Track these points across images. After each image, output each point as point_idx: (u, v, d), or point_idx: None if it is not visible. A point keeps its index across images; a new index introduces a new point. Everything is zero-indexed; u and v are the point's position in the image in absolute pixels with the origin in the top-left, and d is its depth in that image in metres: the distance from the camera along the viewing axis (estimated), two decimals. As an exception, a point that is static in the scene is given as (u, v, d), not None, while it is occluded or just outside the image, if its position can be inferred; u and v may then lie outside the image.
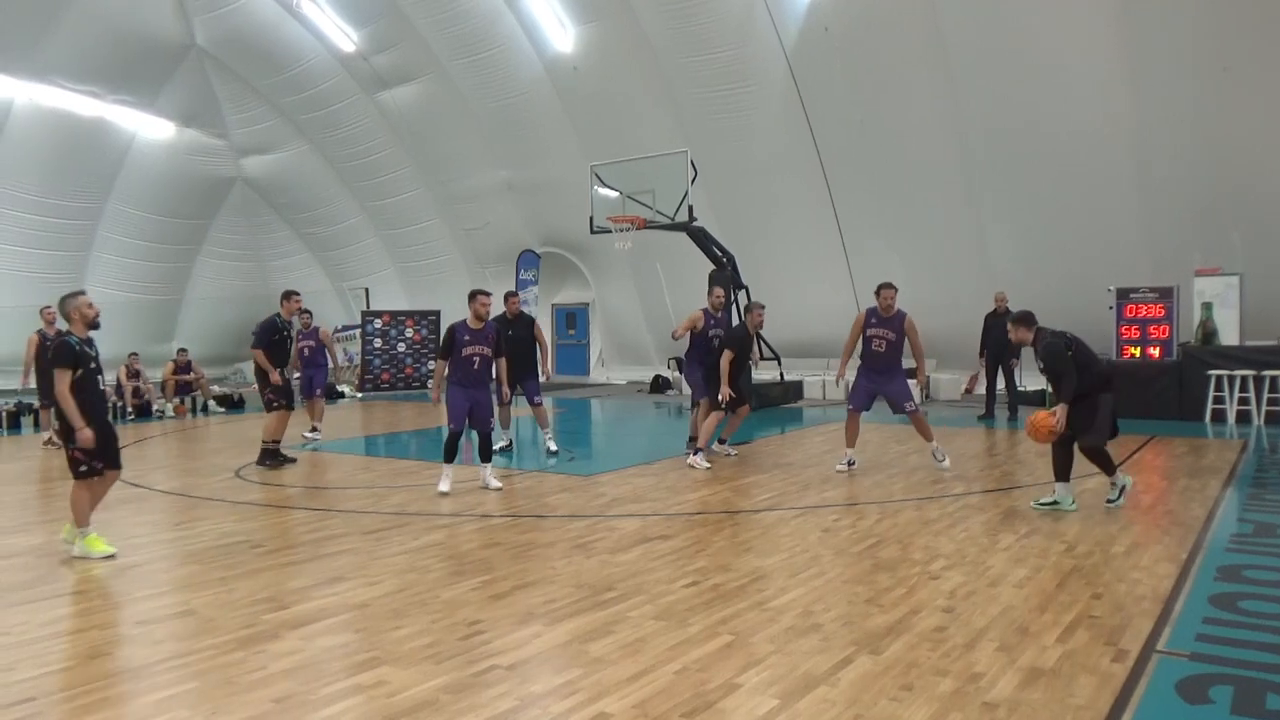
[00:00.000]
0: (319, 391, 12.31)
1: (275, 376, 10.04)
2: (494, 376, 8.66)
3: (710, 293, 10.68)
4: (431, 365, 21.03)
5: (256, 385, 10.60)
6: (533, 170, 21.20)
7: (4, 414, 14.69)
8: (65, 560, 6.04)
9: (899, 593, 4.96)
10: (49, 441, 12.44)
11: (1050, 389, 7.12)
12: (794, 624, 4.47)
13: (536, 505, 7.78)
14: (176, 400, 16.83)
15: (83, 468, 6.08)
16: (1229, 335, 12.93)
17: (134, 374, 16.45)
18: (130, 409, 16.13)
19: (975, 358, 14.04)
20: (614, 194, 15.82)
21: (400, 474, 9.23)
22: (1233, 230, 13.80)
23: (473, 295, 8.54)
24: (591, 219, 16.00)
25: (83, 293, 6.39)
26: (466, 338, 8.33)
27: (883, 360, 9.03)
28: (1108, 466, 7.01)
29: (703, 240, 15.50)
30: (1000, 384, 13.75)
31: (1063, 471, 7.00)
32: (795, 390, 16.72)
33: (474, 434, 8.55)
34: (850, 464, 9.04)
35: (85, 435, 5.93)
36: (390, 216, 24.10)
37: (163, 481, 9.23)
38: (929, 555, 5.75)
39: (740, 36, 16.76)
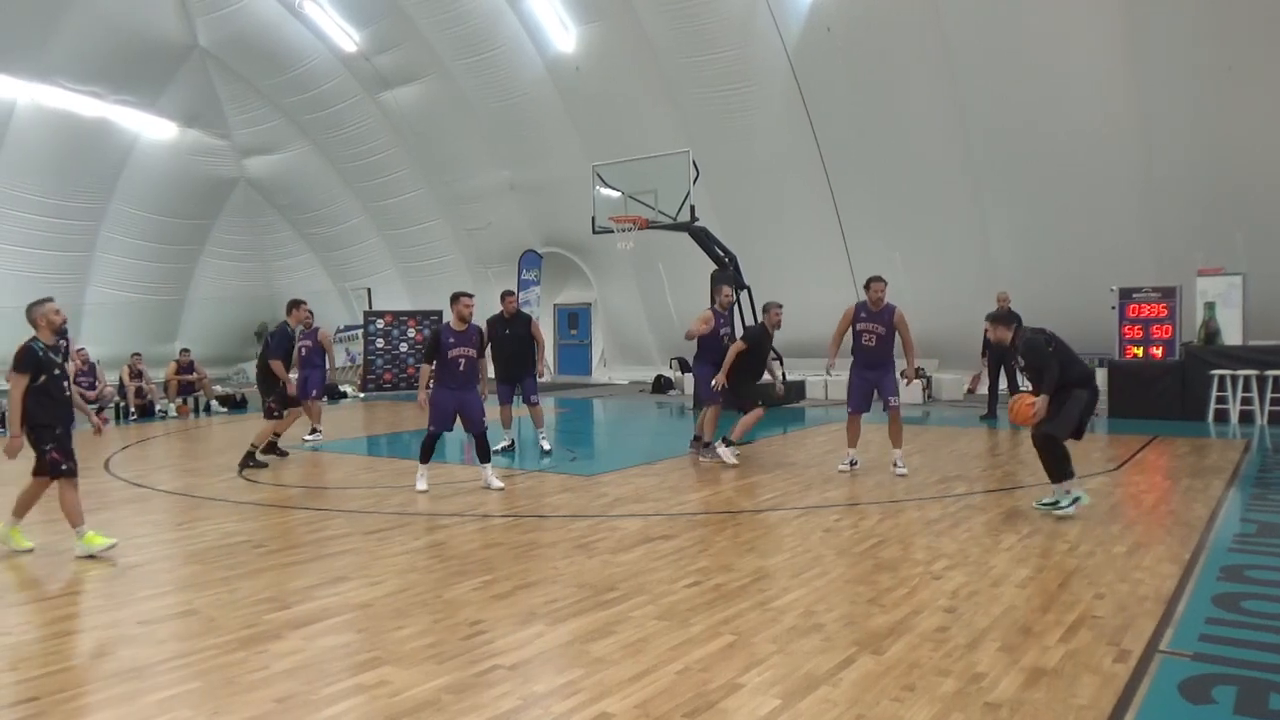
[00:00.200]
0: (315, 393, 12.33)
1: (292, 388, 10.44)
2: (480, 377, 8.69)
3: (719, 292, 10.61)
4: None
5: (259, 390, 10.73)
6: (535, 170, 21.21)
7: (6, 414, 14.68)
8: (67, 560, 6.04)
9: (901, 593, 4.96)
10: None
11: (1032, 386, 7.07)
12: (796, 624, 4.47)
13: (538, 505, 7.78)
14: (179, 400, 16.85)
15: (63, 466, 6.12)
16: (1232, 335, 12.91)
17: (137, 374, 16.47)
18: (133, 409, 16.15)
19: (977, 358, 14.03)
20: (616, 194, 15.82)
21: (402, 474, 9.23)
22: (1236, 230, 13.79)
23: (455, 298, 8.61)
24: (594, 219, 16.01)
25: (50, 299, 6.46)
26: (451, 340, 8.38)
27: (874, 355, 8.90)
28: (1057, 471, 6.80)
29: (705, 240, 15.50)
30: (1002, 384, 13.73)
31: (1055, 474, 6.95)
32: (797, 390, 16.71)
33: (471, 436, 8.56)
34: (853, 464, 9.02)
35: (14, 444, 5.95)
36: (393, 217, 24.13)
37: (165, 481, 9.25)
38: (931, 555, 5.75)
39: (742, 36, 16.76)
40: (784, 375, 16.78)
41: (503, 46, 19.34)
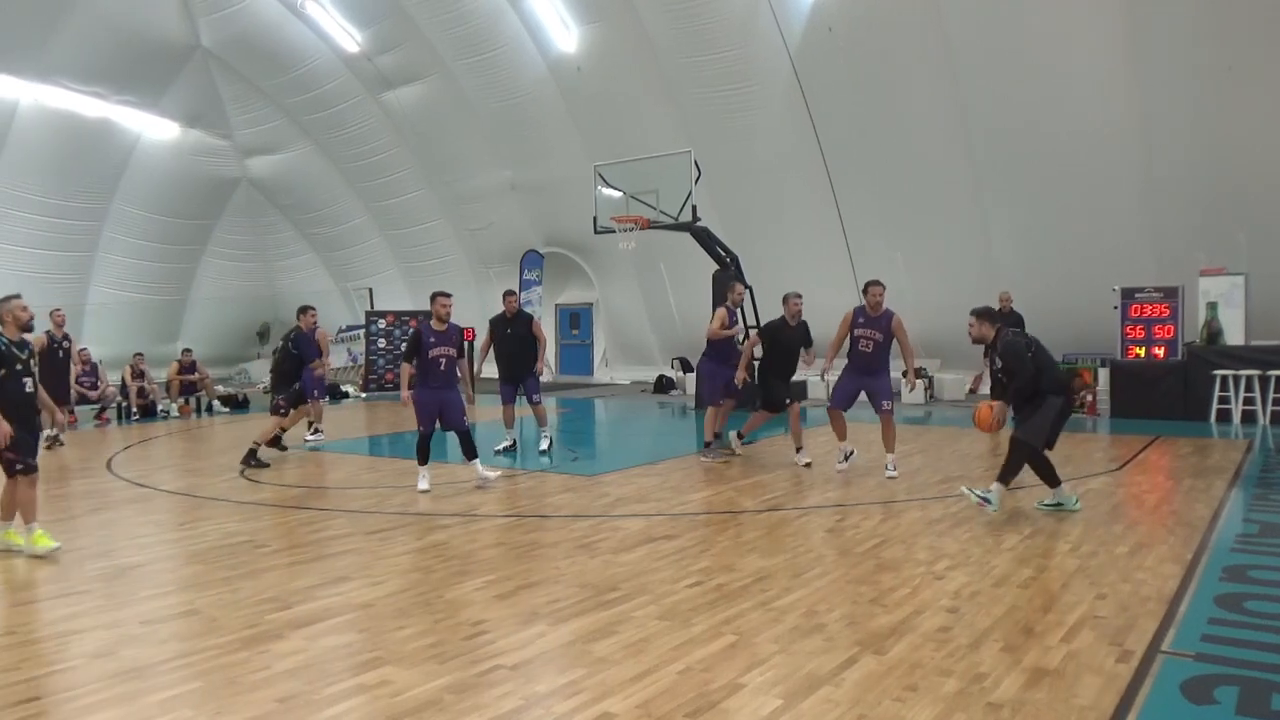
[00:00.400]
0: (315, 394, 12.37)
1: (325, 369, 11.14)
2: (460, 377, 8.75)
3: (731, 290, 10.51)
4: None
5: (272, 388, 11.07)
6: (536, 170, 21.21)
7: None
8: (69, 561, 6.05)
9: (903, 593, 4.96)
10: (55, 440, 12.49)
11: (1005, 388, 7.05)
12: (798, 624, 4.47)
13: (540, 505, 7.78)
14: (181, 400, 16.86)
15: (18, 466, 6.14)
16: (1234, 335, 12.90)
17: (139, 374, 16.48)
18: (135, 409, 16.16)
19: (979, 357, 13.97)
20: (618, 194, 15.82)
21: (404, 474, 9.23)
22: (1238, 230, 13.77)
23: (433, 297, 8.74)
24: (595, 219, 16.01)
25: (17, 296, 6.43)
26: (432, 339, 8.48)
27: (870, 360, 8.80)
28: (1008, 474, 6.75)
29: (706, 240, 15.49)
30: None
31: (1049, 478, 6.94)
32: (799, 390, 16.68)
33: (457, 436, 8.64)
34: (849, 455, 9.00)
35: (3, 430, 5.95)
36: (394, 217, 24.13)
37: (167, 481, 9.25)
38: (933, 555, 5.74)
39: (744, 36, 16.75)
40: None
41: (504, 46, 19.34)
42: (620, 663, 3.99)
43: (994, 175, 15.74)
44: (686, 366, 19.33)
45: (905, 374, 9.05)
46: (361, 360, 22.50)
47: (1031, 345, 6.85)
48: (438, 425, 8.54)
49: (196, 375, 17.13)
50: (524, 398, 10.74)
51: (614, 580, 5.30)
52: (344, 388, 20.72)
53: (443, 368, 8.48)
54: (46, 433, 12.47)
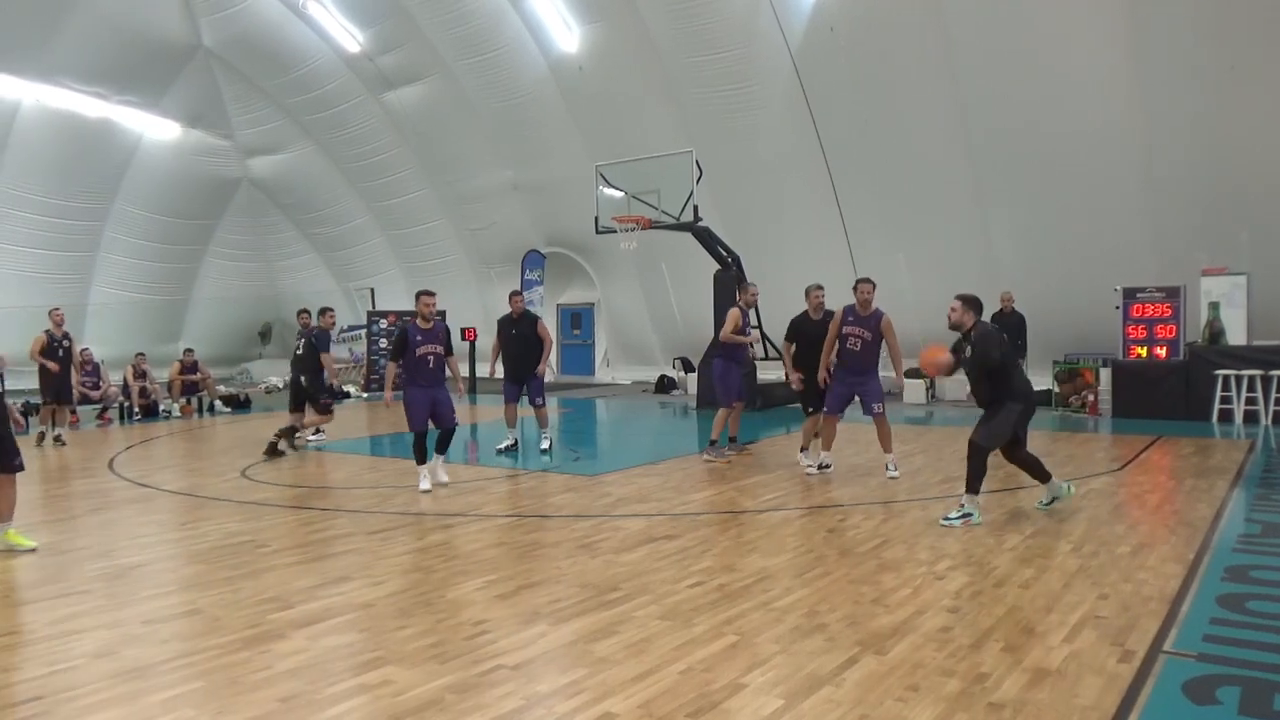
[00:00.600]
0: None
1: (333, 374, 11.45)
2: (450, 374, 8.80)
3: (744, 290, 10.40)
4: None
5: (309, 387, 11.42)
6: (538, 170, 21.21)
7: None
8: (71, 560, 6.05)
9: (904, 593, 4.95)
10: (57, 439, 12.53)
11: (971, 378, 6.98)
12: (799, 624, 4.47)
13: (541, 505, 7.78)
14: (183, 400, 16.88)
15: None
16: (1236, 335, 12.89)
17: (140, 374, 16.49)
18: (137, 409, 16.17)
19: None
20: (619, 194, 15.82)
21: (406, 474, 9.23)
22: (1239, 230, 13.76)
23: (417, 296, 8.80)
24: (597, 219, 16.01)
25: None
26: (419, 338, 8.53)
27: (858, 360, 8.66)
28: (974, 481, 6.66)
29: (708, 240, 15.50)
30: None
31: (1040, 475, 6.89)
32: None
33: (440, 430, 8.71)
34: (822, 467, 8.88)
35: None
36: (396, 217, 24.14)
37: (169, 481, 9.26)
38: (934, 555, 5.74)
39: (745, 36, 16.75)
40: (787, 375, 16.88)
41: (505, 46, 19.35)
42: (621, 663, 3.99)
43: (995, 175, 15.73)
44: (688, 366, 19.33)
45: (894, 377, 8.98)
46: (363, 360, 22.50)
47: (1004, 345, 6.77)
48: (430, 424, 8.55)
49: (198, 375, 17.15)
50: (527, 399, 10.72)
51: (615, 580, 5.30)
52: (346, 388, 20.73)
53: (431, 365, 8.54)
54: (57, 430, 12.61)
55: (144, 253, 23.25)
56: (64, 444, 12.46)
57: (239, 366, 26.40)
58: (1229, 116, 13.47)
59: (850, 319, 8.68)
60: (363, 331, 22.82)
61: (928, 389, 16.66)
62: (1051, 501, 6.98)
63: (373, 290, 25.61)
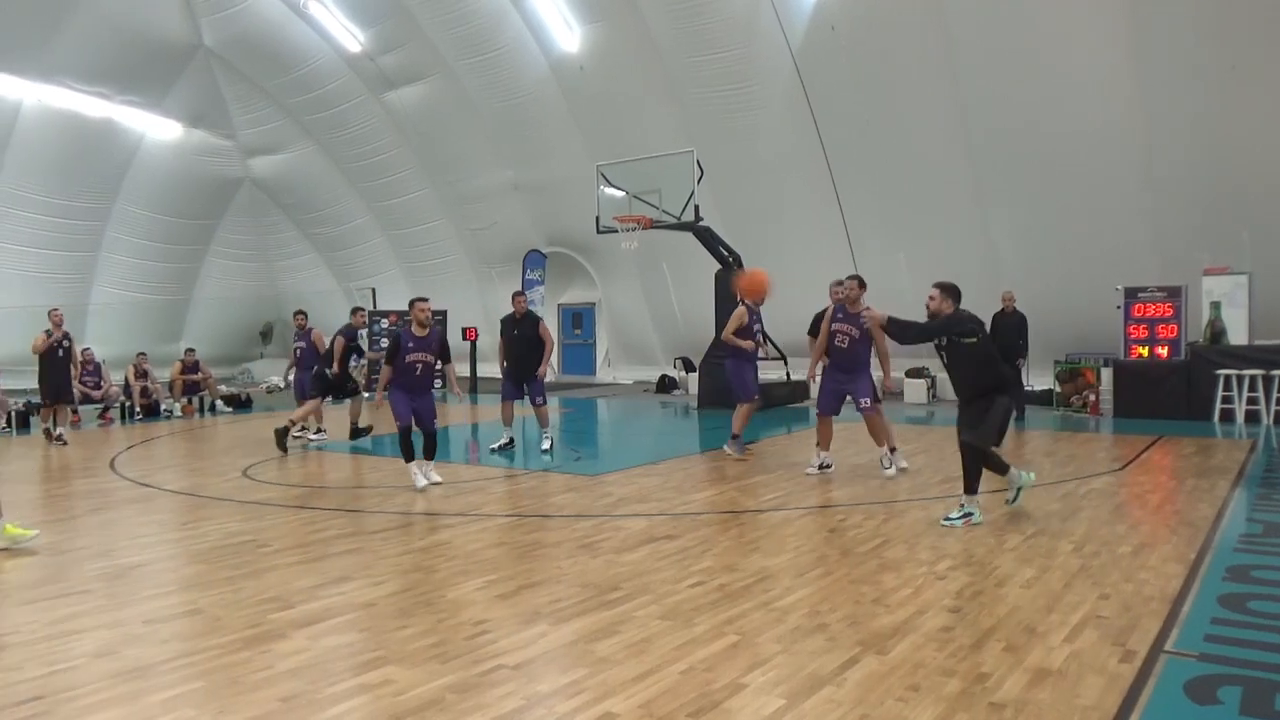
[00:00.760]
0: (310, 393, 12.48)
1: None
2: (440, 381, 8.79)
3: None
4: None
5: (333, 379, 12.04)
6: (539, 170, 21.22)
7: (14, 414, 14.75)
8: (72, 560, 6.06)
9: (905, 593, 4.95)
10: (58, 438, 12.55)
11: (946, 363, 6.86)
12: (800, 624, 4.46)
13: (542, 505, 7.78)
14: (184, 400, 16.89)
15: None
16: (1237, 335, 12.88)
17: (142, 374, 16.50)
18: (138, 409, 16.18)
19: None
20: (620, 194, 15.82)
21: (406, 474, 9.22)
22: (1241, 229, 13.74)
23: (411, 303, 8.76)
24: (598, 219, 16.01)
25: None
26: (411, 344, 8.53)
27: (846, 357, 8.62)
28: (972, 481, 6.64)
29: (709, 240, 15.50)
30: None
31: (999, 467, 6.78)
32: (801, 390, 16.70)
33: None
34: (823, 467, 8.84)
35: None
36: (397, 216, 24.15)
37: (170, 481, 9.26)
38: (935, 555, 5.74)
39: (746, 36, 16.75)
40: (788, 375, 16.90)
41: (507, 46, 19.35)
42: (622, 662, 3.99)
43: (996, 175, 15.72)
44: (689, 366, 19.33)
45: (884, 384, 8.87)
46: (364, 360, 22.48)
47: (979, 333, 6.61)
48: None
49: (199, 375, 17.17)
50: (528, 398, 10.73)
51: (616, 580, 5.30)
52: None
53: (419, 373, 8.55)
54: (59, 429, 12.65)
55: (146, 252, 23.27)
56: (65, 443, 12.47)
57: (240, 366, 26.42)
58: (1230, 116, 13.45)
59: (839, 316, 8.66)
60: (363, 332, 22.80)
61: (929, 388, 16.66)
62: (1017, 495, 6.90)
63: (374, 290, 25.62)
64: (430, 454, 8.75)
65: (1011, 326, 13.43)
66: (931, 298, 6.85)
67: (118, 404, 16.11)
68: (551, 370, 22.90)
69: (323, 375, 11.91)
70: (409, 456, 8.53)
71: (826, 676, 3.79)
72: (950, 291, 6.79)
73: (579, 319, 23.84)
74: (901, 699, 3.56)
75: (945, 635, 4.27)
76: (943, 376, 16.43)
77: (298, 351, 12.97)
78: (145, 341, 20.23)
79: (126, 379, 16.50)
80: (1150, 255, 14.72)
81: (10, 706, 3.61)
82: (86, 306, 22.12)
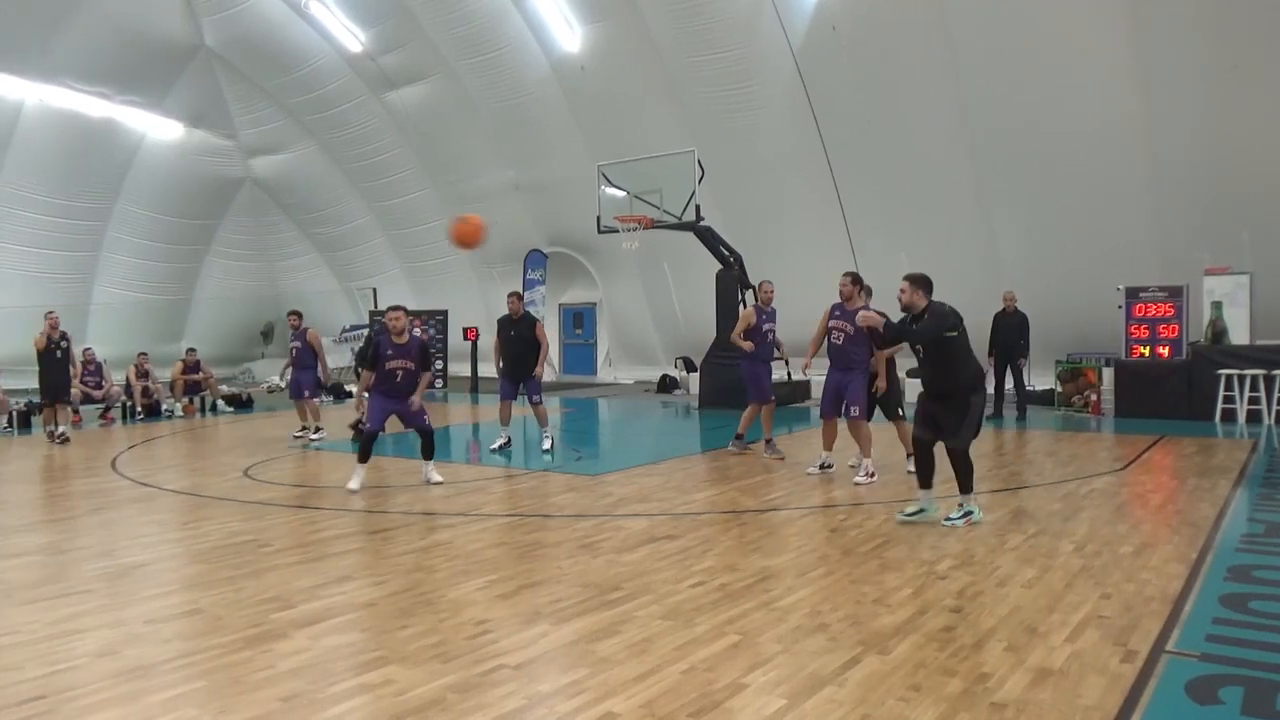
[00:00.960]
0: (306, 393, 12.51)
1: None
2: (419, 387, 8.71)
3: (761, 288, 10.25)
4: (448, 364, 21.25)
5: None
6: (540, 170, 21.22)
7: (15, 414, 14.76)
8: (73, 559, 6.06)
9: (906, 593, 4.95)
10: (61, 436, 12.57)
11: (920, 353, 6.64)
12: (801, 624, 4.46)
13: (543, 505, 7.78)
14: (185, 400, 16.89)
15: None
16: (1239, 334, 12.87)
17: (143, 374, 16.50)
18: (139, 409, 16.18)
19: (984, 357, 14.00)
20: (621, 194, 15.83)
21: (408, 473, 9.24)
22: (1242, 229, 13.74)
23: (385, 311, 8.80)
24: (599, 219, 16.01)
25: None
26: (390, 351, 8.49)
27: (841, 355, 8.53)
28: (967, 481, 6.55)
29: (710, 240, 15.50)
30: (1009, 383, 13.72)
31: (926, 479, 6.65)
32: (802, 390, 16.69)
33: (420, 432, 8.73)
34: (823, 466, 8.82)
35: None
36: (398, 216, 24.15)
37: (171, 481, 9.26)
38: (936, 555, 5.73)
39: (747, 35, 16.75)
40: (789, 375, 16.89)
41: (508, 46, 19.35)
42: (623, 662, 3.99)
43: (997, 175, 15.71)
44: (690, 366, 19.32)
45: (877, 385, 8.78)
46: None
47: (957, 328, 6.45)
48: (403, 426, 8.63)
49: (201, 375, 17.16)
50: (525, 397, 10.75)
51: (617, 580, 5.30)
52: (347, 387, 20.73)
53: (399, 379, 8.51)
54: (61, 428, 12.68)
55: (147, 252, 23.28)
56: (68, 440, 12.52)
57: (241, 366, 26.43)
58: (1231, 116, 13.45)
59: (837, 313, 8.62)
60: (365, 331, 22.81)
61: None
62: (917, 513, 6.60)
63: (375, 290, 25.63)
64: (428, 453, 8.72)
65: (1013, 326, 13.43)
66: (903, 290, 6.65)
67: (119, 404, 16.11)
68: (552, 370, 22.94)
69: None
70: (363, 458, 8.46)
71: (828, 676, 3.79)
72: (921, 283, 6.61)
73: (580, 319, 23.83)
74: (903, 699, 3.55)
75: (947, 635, 4.27)
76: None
77: (294, 351, 13.00)
78: (146, 341, 20.23)
79: (128, 379, 16.50)
80: (1151, 255, 14.71)
81: (12, 706, 3.61)
82: (88, 306, 22.13)
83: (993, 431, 12.14)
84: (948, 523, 6.52)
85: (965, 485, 6.60)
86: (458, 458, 10.90)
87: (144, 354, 16.90)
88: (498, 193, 22.09)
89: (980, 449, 10.41)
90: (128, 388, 16.38)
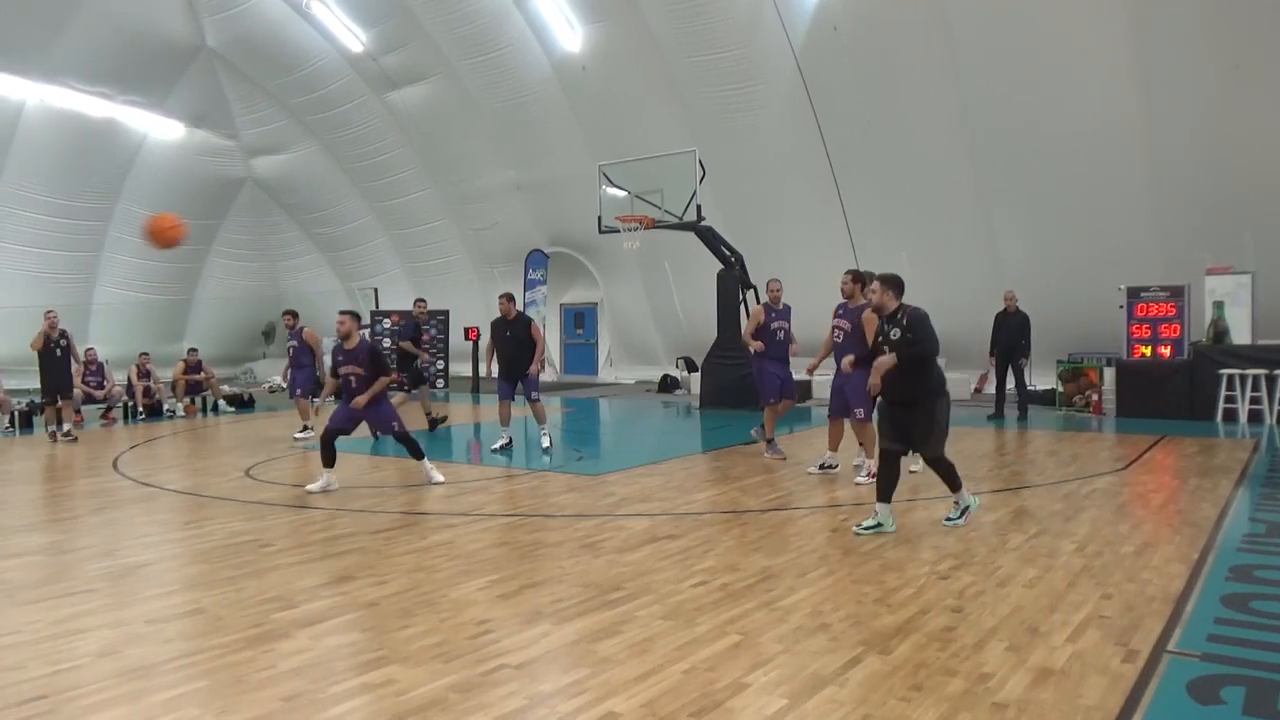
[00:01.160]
0: (300, 391, 12.55)
1: (425, 356, 13.31)
2: (399, 386, 8.73)
3: (769, 288, 10.15)
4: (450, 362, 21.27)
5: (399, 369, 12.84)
6: (541, 170, 21.22)
7: (17, 414, 14.78)
8: (74, 559, 6.07)
9: (908, 593, 4.95)
10: (66, 435, 12.60)
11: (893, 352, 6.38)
12: (802, 624, 4.46)
13: (544, 505, 7.78)
14: (187, 400, 16.90)
15: None
16: (1240, 334, 12.87)
17: (144, 374, 16.52)
18: (141, 409, 16.20)
19: (985, 357, 14.00)
20: (622, 194, 15.83)
21: (409, 473, 9.25)
22: (1244, 229, 13.73)
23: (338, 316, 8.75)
24: (600, 218, 16.01)
25: None
26: (340, 358, 8.59)
27: (842, 353, 8.40)
28: (953, 480, 6.48)
29: (711, 240, 15.50)
30: (1010, 383, 13.71)
31: (886, 493, 6.44)
32: (804, 390, 16.68)
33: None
34: (823, 466, 8.80)
35: None
36: (399, 216, 24.15)
37: (173, 481, 9.27)
38: (938, 555, 5.73)
39: (748, 35, 16.75)
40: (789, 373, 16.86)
41: (509, 46, 19.35)
42: (624, 662, 3.99)
43: (997, 174, 15.71)
44: (691, 366, 19.32)
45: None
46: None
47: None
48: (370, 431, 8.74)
49: (202, 375, 17.17)
50: (523, 397, 10.77)
51: (618, 580, 5.30)
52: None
53: (354, 385, 8.52)
54: (65, 427, 12.70)
55: (148, 252, 23.14)
56: (74, 439, 12.59)
57: (243, 366, 26.44)
58: (1232, 116, 13.43)
59: (840, 312, 8.59)
60: (366, 331, 22.82)
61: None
62: (873, 527, 6.33)
63: (376, 290, 25.63)
64: (415, 455, 8.75)
65: (1014, 326, 13.43)
66: (872, 291, 6.52)
67: (120, 404, 16.13)
68: (553, 369, 22.94)
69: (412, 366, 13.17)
70: (326, 462, 8.46)
71: (829, 676, 3.79)
72: (893, 284, 6.47)
73: (581, 319, 23.83)
74: (904, 699, 3.55)
75: (948, 635, 4.27)
76: (947, 376, 16.43)
77: (291, 351, 13.05)
78: (148, 341, 20.23)
79: (129, 379, 16.52)
80: (1153, 255, 14.70)
81: (14, 706, 3.62)
82: (89, 306, 22.13)
83: (994, 431, 12.13)
84: (948, 523, 6.53)
85: (954, 484, 6.57)
86: (459, 458, 10.90)
87: (145, 354, 16.91)
88: (499, 192, 22.11)
89: (981, 449, 10.44)
90: (129, 388, 16.39)
